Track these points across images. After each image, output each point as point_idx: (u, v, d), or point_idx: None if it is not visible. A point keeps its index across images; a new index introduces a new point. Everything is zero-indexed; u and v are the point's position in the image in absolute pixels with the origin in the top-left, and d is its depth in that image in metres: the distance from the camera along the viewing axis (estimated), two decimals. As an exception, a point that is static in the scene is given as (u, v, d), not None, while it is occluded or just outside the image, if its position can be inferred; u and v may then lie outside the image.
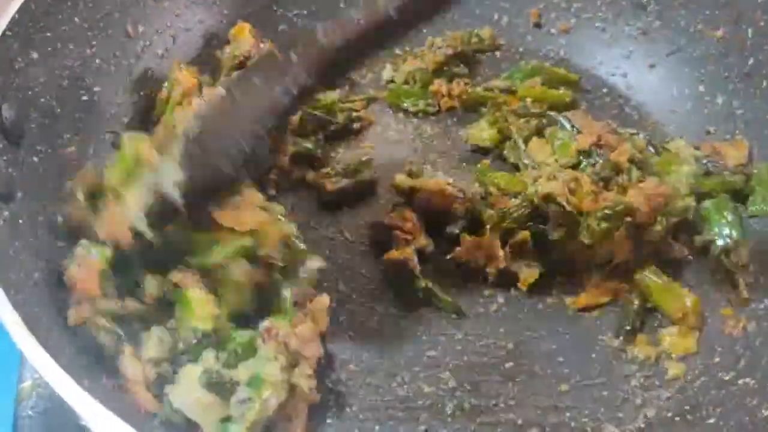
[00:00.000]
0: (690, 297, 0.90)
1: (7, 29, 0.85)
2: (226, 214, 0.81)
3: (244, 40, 1.07)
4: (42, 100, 0.89)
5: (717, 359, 0.87)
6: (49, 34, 0.91)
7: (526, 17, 1.19)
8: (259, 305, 0.82)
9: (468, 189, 0.98)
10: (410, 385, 0.86)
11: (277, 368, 0.76)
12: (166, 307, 0.80)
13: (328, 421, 0.83)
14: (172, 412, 0.75)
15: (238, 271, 0.80)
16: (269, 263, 0.82)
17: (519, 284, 0.93)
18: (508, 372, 0.88)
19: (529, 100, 1.07)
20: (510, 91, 1.10)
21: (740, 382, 0.84)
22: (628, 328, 0.90)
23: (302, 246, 0.85)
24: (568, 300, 0.93)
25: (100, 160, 0.94)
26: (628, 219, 0.91)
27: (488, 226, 0.93)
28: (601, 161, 0.98)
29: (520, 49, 1.18)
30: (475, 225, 0.95)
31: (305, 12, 1.17)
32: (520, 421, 0.84)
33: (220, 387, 0.75)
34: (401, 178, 0.99)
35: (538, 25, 1.19)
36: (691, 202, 0.96)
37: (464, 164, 1.06)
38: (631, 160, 0.97)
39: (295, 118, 1.02)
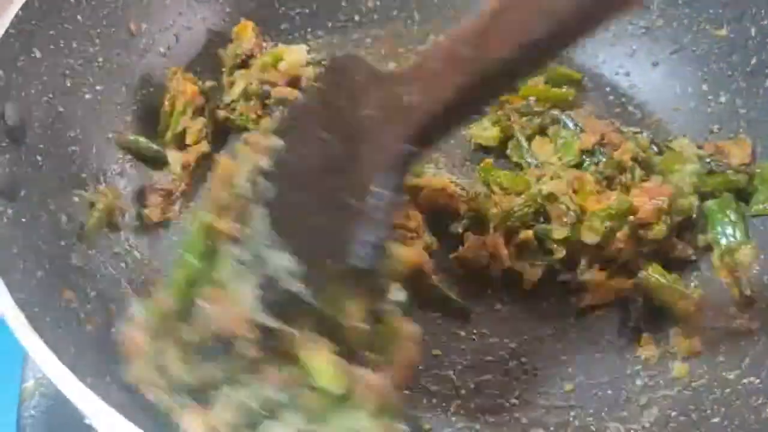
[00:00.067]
0: (694, 296, 0.90)
1: (10, 27, 0.84)
2: None
3: (247, 38, 1.07)
4: (45, 98, 0.89)
5: (721, 358, 0.87)
6: (51, 33, 0.91)
7: (529, 16, 1.19)
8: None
9: (471, 188, 0.98)
10: (414, 383, 0.86)
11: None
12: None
13: (331, 420, 0.83)
14: None
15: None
16: None
17: (523, 283, 0.93)
18: (512, 371, 0.88)
19: (532, 98, 1.07)
20: (513, 90, 1.10)
21: (745, 381, 0.84)
22: (632, 327, 0.90)
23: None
24: (572, 299, 0.93)
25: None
26: (632, 218, 0.90)
27: (492, 225, 0.93)
28: (604, 160, 0.97)
29: (523, 48, 1.18)
30: (478, 224, 0.94)
31: (307, 11, 1.16)
32: (524, 421, 0.84)
33: None
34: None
35: (540, 24, 1.19)
36: (694, 201, 0.95)
37: (467, 163, 1.05)
38: (635, 159, 0.97)
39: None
